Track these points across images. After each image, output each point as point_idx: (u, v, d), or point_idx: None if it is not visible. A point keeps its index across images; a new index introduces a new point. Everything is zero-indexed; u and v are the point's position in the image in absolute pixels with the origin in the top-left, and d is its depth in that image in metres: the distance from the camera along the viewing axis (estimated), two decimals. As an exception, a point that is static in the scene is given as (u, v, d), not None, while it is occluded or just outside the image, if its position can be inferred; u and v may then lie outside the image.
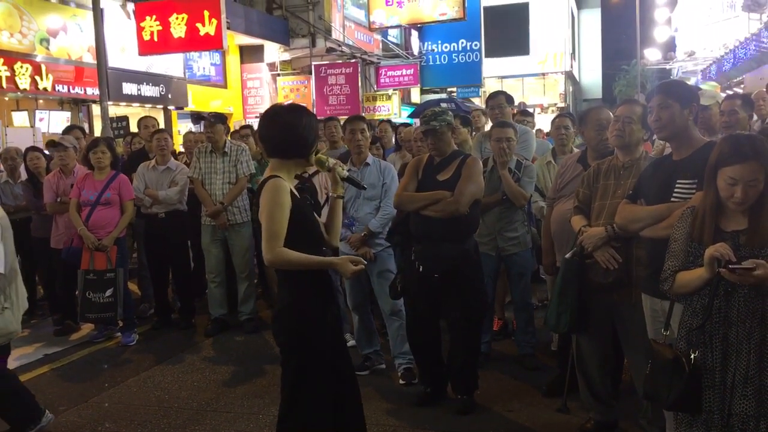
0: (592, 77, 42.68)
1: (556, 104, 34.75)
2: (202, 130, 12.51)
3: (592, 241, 3.51)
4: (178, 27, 12.63)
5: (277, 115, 3.03)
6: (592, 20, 42.16)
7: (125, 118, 11.92)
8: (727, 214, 2.66)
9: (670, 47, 33.06)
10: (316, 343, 2.97)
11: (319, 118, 12.41)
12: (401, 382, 4.94)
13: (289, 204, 2.88)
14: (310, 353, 2.95)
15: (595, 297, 3.67)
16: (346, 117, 5.79)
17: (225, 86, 17.37)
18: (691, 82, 24.51)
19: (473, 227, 4.39)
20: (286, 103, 3.18)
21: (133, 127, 11.46)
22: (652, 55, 33.77)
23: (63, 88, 11.78)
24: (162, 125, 12.91)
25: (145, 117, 7.55)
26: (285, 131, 2.96)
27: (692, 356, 2.61)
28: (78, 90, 12.11)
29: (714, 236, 2.61)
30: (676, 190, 3.12)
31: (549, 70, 35.80)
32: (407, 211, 4.40)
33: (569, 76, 37.91)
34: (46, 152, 7.35)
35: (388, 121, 8.09)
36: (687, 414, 2.70)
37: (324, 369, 2.98)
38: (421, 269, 4.24)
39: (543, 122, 21.40)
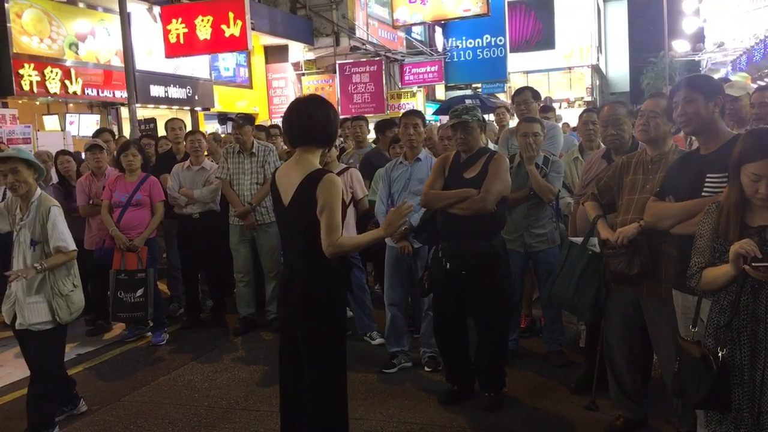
0: (619, 70, 42.20)
1: (582, 98, 34.45)
2: (228, 131, 12.64)
3: (625, 235, 3.47)
4: (203, 29, 12.77)
5: (309, 105, 3.14)
6: (618, 12, 41.69)
7: (153, 120, 12.09)
8: (753, 209, 2.62)
9: (698, 38, 32.45)
10: (343, 332, 3.29)
11: (345, 117, 12.45)
12: (427, 369, 5.03)
13: None
14: (341, 341, 3.24)
15: (623, 292, 3.64)
16: (371, 116, 5.81)
17: (250, 86, 17.51)
18: (721, 73, 24.11)
19: (500, 224, 4.38)
20: (307, 95, 3.36)
21: (161, 130, 11.61)
22: (680, 46, 33.20)
23: (92, 91, 11.98)
24: (189, 127, 13.09)
25: (172, 119, 7.60)
26: (318, 120, 3.11)
27: (720, 354, 2.57)
28: (107, 93, 12.30)
29: (740, 232, 2.58)
30: (706, 184, 3.08)
31: (575, 64, 35.48)
32: (434, 209, 4.41)
33: (596, 69, 37.55)
34: (83, 155, 7.46)
35: (364, 119, 7.95)
36: (716, 412, 2.67)
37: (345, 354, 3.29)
38: (448, 266, 4.23)
39: (569, 117, 21.24)
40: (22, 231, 4.09)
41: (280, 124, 10.56)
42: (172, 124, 7.41)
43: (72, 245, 4.16)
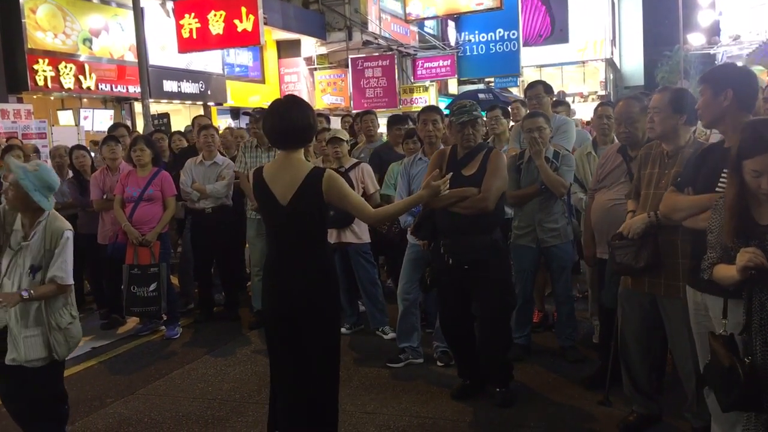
0: (633, 64, 41.86)
1: (596, 92, 34.23)
2: (241, 126, 12.65)
3: (634, 228, 3.45)
4: (216, 24, 12.82)
5: (289, 108, 3.23)
6: (633, 5, 41.31)
7: (166, 115, 12.12)
8: (761, 204, 2.55)
9: (714, 31, 32.11)
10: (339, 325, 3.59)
11: (356, 111, 12.37)
12: (439, 364, 5.02)
13: None
14: (338, 332, 3.49)
15: (639, 289, 3.61)
16: (383, 111, 5.78)
17: (263, 81, 17.55)
18: (737, 66, 23.77)
19: (500, 218, 4.39)
20: (285, 96, 3.47)
21: (174, 125, 11.65)
22: (695, 39, 32.85)
23: (106, 86, 12.06)
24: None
25: (199, 116, 7.60)
26: (300, 122, 3.22)
27: (746, 360, 2.51)
28: (120, 88, 12.38)
29: (750, 230, 2.51)
30: (721, 179, 3.04)
31: (589, 57, 35.29)
32: (434, 208, 4.37)
33: (610, 63, 37.29)
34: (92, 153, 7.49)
35: (374, 113, 7.93)
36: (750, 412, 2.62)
37: None
38: (450, 261, 4.22)
39: (583, 111, 21.11)
40: (22, 253, 3.51)
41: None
42: (199, 120, 7.30)
43: (70, 280, 3.56)
